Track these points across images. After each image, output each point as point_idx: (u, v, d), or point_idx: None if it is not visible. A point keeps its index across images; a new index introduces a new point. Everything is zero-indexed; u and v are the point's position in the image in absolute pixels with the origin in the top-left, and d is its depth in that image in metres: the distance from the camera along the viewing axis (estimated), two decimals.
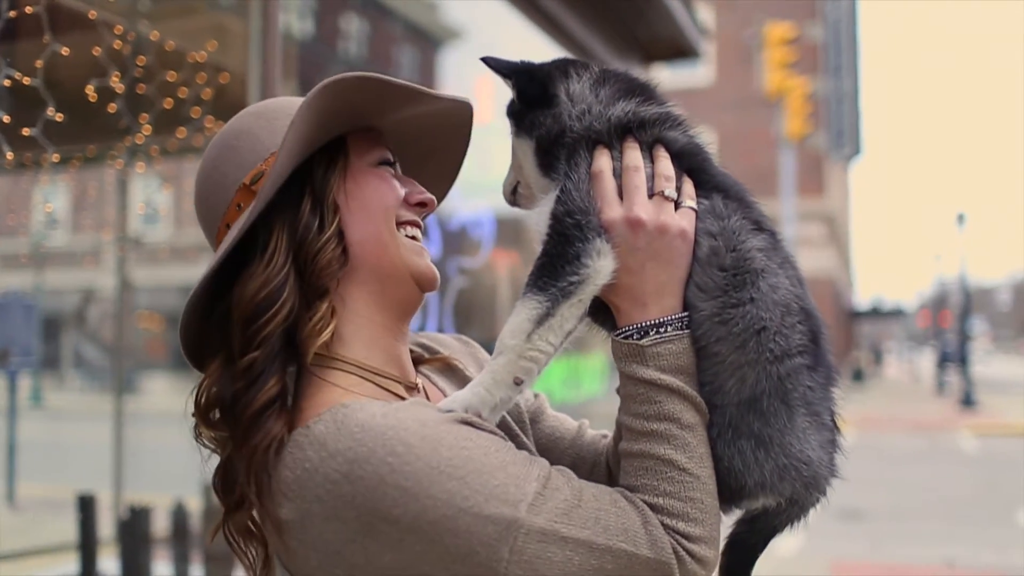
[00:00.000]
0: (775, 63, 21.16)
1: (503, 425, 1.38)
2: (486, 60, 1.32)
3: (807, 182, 33.38)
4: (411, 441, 1.10)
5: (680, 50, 7.83)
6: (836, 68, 34.90)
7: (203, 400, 1.25)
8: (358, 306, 1.30)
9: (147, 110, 3.34)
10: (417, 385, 1.37)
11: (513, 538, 1.09)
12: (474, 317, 7.23)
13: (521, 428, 1.44)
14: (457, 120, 1.43)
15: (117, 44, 3.21)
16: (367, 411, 1.14)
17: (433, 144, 1.47)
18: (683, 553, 1.15)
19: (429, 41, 7.69)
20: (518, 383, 1.21)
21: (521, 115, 1.30)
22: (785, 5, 33.25)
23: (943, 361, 38.88)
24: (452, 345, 1.57)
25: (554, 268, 1.20)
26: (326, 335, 1.25)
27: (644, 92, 1.29)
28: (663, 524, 1.16)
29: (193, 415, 1.26)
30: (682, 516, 1.17)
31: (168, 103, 3.45)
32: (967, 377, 29.36)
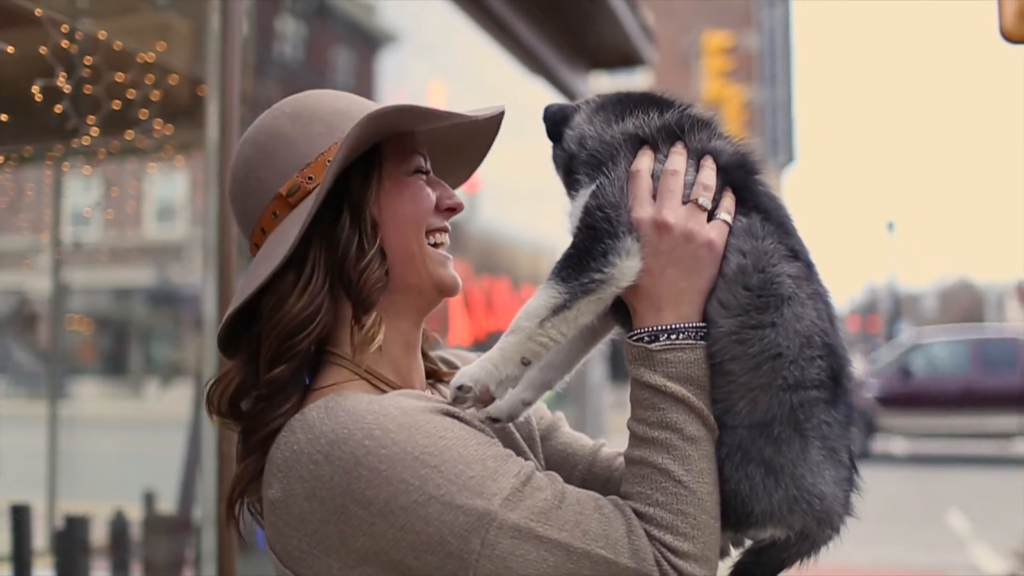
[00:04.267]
0: (713, 72, 21.48)
1: (508, 438, 1.38)
2: (548, 108, 1.38)
3: None
4: (389, 426, 1.12)
5: (627, 57, 7.92)
6: (771, 77, 35.54)
7: (223, 390, 1.26)
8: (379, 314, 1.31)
9: (94, 111, 3.25)
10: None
11: (485, 531, 1.09)
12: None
13: (530, 445, 1.44)
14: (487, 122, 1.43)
15: (64, 43, 3.13)
16: (356, 399, 1.17)
17: (462, 140, 1.45)
18: (667, 567, 1.13)
19: (367, 43, 7.60)
20: (525, 363, 1.23)
21: (552, 153, 1.37)
22: (722, 12, 33.71)
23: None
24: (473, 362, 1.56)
25: (580, 261, 1.20)
26: (376, 344, 1.26)
27: (649, 103, 1.30)
28: (649, 534, 1.14)
29: (207, 403, 1.28)
30: (670, 528, 1.14)
31: (116, 104, 3.37)
32: None
